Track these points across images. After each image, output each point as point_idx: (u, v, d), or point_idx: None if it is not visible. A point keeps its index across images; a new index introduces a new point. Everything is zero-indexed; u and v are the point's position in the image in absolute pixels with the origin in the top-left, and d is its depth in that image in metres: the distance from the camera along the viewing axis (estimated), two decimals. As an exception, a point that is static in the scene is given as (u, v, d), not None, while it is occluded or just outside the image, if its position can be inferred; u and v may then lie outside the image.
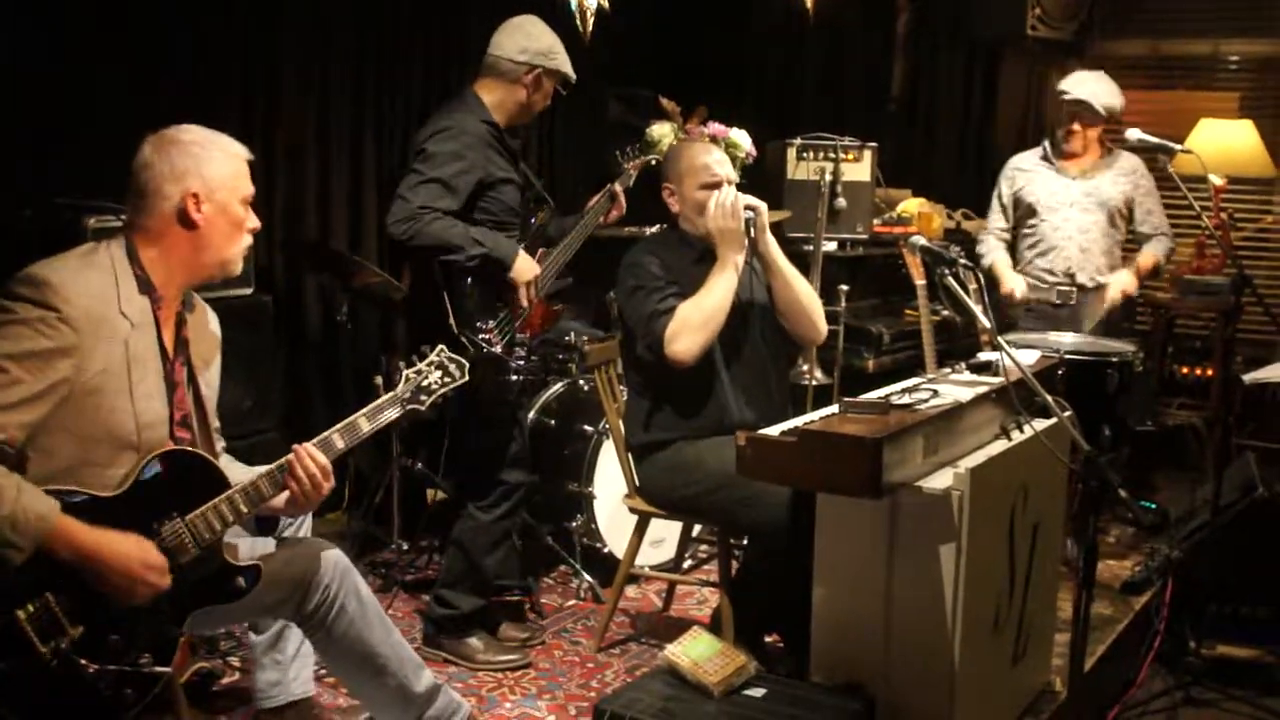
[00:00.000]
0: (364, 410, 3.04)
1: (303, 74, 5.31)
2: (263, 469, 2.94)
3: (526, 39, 4.17)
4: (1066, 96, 5.40)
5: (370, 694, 3.27)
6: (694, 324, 3.84)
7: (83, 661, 2.67)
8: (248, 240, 3.02)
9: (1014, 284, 5.48)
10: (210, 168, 2.90)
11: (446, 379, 3.15)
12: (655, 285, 3.95)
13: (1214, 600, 4.43)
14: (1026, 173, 5.56)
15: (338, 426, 3.00)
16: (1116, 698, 4.12)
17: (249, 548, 3.08)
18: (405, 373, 3.11)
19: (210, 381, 3.10)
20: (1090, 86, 5.38)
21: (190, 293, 3.06)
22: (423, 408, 3.12)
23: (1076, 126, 5.39)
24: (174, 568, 2.77)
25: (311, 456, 2.93)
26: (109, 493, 2.74)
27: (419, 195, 3.96)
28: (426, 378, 3.12)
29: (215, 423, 3.11)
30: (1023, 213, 5.55)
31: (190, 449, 2.90)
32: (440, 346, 3.18)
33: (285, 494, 2.95)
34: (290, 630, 3.40)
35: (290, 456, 2.93)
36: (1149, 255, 5.47)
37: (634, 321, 3.99)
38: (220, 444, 3.16)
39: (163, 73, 4.67)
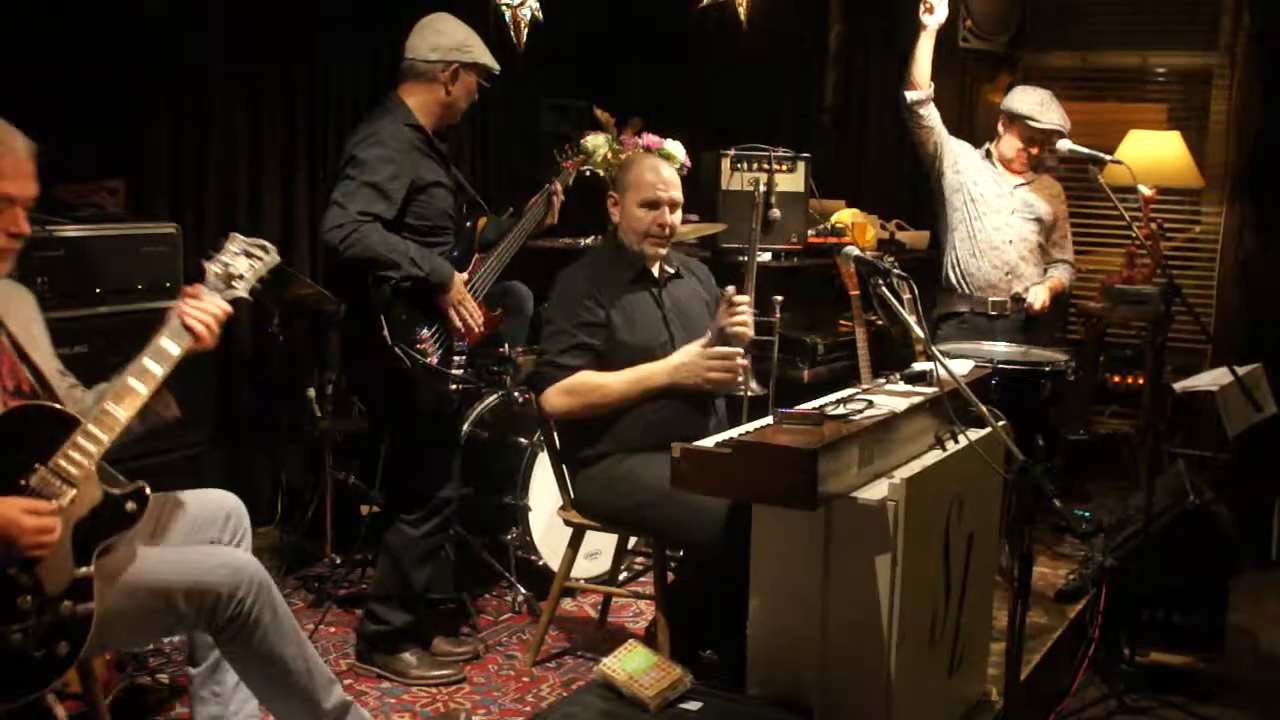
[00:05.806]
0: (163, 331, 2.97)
1: (232, 80, 5.25)
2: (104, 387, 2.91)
3: (437, 36, 4.12)
4: (1036, 124, 5.35)
5: (279, 708, 3.21)
6: (580, 392, 3.98)
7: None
8: (15, 244, 2.92)
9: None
10: None
11: (256, 262, 3.10)
12: (570, 331, 4.01)
13: (1147, 607, 4.47)
14: (971, 162, 5.56)
15: (145, 353, 2.92)
16: (1052, 706, 4.15)
17: (156, 556, 3.02)
18: (206, 266, 3.04)
19: (37, 338, 3.04)
20: (1055, 115, 5.37)
21: None
22: (245, 293, 3.07)
23: (1035, 150, 5.42)
24: (59, 512, 2.74)
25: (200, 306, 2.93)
26: None
27: (355, 201, 3.88)
28: (232, 265, 3.06)
29: (56, 364, 3.07)
30: (962, 197, 5.52)
31: (24, 403, 2.84)
32: (233, 234, 3.13)
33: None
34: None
35: (176, 319, 2.91)
36: (1058, 278, 5.58)
37: (540, 351, 4.11)
38: (68, 381, 3.10)
39: (94, 77, 4.61)
